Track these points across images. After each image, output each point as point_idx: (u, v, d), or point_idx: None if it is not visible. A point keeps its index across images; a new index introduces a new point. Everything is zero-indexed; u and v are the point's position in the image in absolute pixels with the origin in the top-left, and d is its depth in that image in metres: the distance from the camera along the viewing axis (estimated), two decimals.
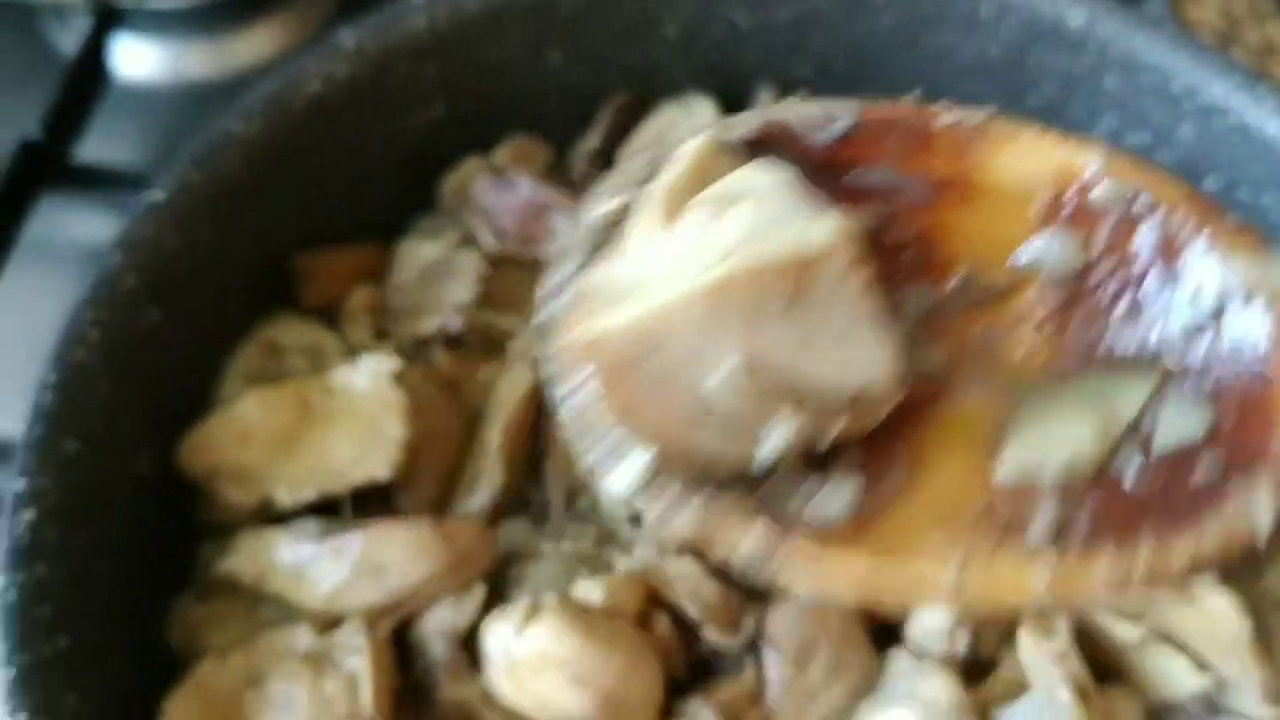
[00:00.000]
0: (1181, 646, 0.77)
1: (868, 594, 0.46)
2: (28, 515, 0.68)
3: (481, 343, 0.89)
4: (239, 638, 0.74)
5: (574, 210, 0.90)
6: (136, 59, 1.29)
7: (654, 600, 0.76)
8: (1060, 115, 0.96)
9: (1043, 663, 0.75)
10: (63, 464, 0.70)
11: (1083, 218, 0.49)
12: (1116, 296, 0.49)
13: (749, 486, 0.48)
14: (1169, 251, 0.47)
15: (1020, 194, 0.50)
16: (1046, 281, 0.49)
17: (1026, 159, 0.51)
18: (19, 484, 0.68)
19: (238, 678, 0.71)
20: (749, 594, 0.78)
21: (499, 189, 0.93)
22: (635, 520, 0.80)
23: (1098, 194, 0.48)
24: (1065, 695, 0.73)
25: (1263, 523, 0.41)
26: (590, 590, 0.74)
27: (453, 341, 0.87)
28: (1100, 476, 0.46)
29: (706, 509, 0.48)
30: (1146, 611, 0.77)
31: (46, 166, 1.13)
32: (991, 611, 0.52)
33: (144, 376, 0.76)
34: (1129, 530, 0.44)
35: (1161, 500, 0.44)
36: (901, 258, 0.49)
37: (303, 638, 0.72)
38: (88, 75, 1.18)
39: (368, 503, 0.79)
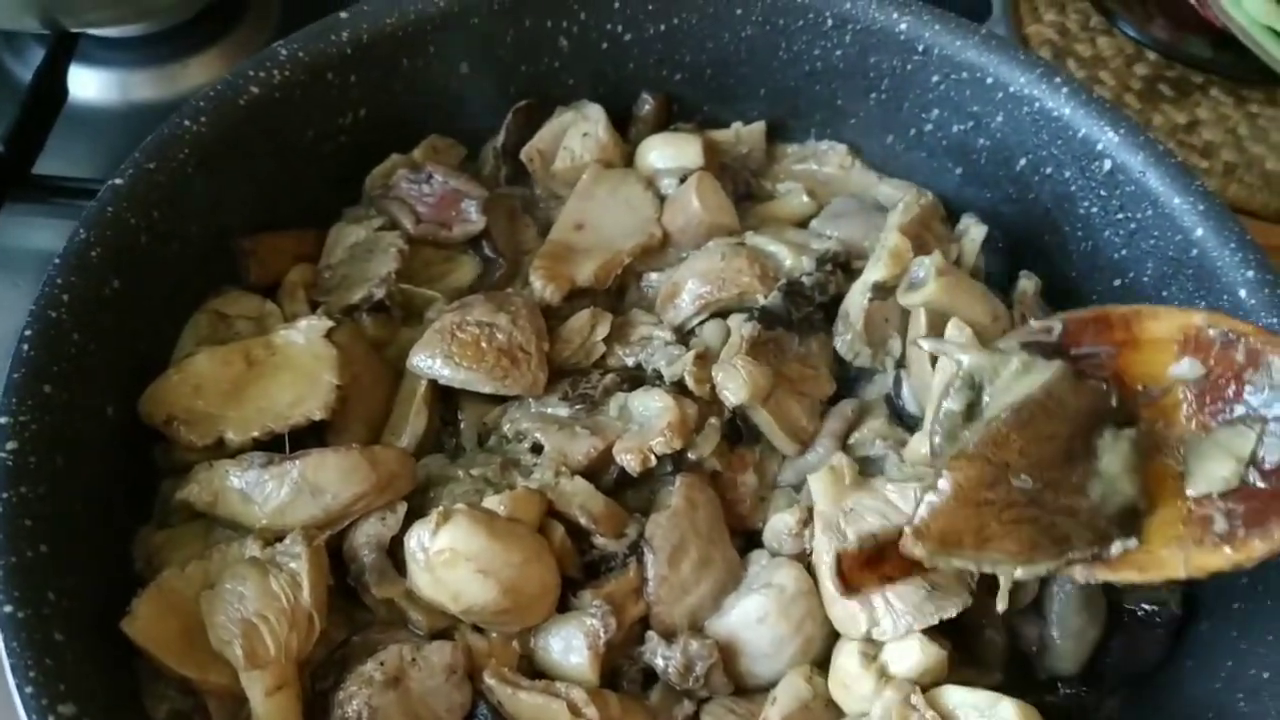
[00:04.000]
0: None
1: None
2: (11, 444, 0.79)
3: (403, 310, 1.02)
4: (195, 555, 0.86)
5: (482, 197, 1.05)
6: (89, 83, 1.42)
7: (551, 513, 0.90)
8: (897, 110, 1.13)
9: None
10: (40, 403, 0.82)
11: (1200, 348, 0.81)
12: (1229, 386, 0.80)
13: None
14: (1253, 359, 0.79)
15: (1166, 340, 0.82)
16: (1188, 384, 0.81)
17: (1164, 321, 0.83)
18: (2, 419, 0.80)
19: (195, 582, 0.84)
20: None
21: (416, 180, 1.07)
22: (536, 450, 0.94)
23: (1207, 334, 0.81)
24: None
25: None
26: (494, 504, 0.87)
27: (377, 309, 1.01)
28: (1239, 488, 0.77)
29: None
30: None
31: (9, 178, 1.25)
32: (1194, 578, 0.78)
33: (109, 335, 0.88)
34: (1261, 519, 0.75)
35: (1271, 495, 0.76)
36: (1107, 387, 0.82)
37: (251, 548, 0.84)
38: (48, 95, 1.30)
39: (308, 448, 0.91)
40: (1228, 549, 0.76)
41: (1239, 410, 0.79)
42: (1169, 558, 0.78)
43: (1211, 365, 0.80)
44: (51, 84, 1.32)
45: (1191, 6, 1.50)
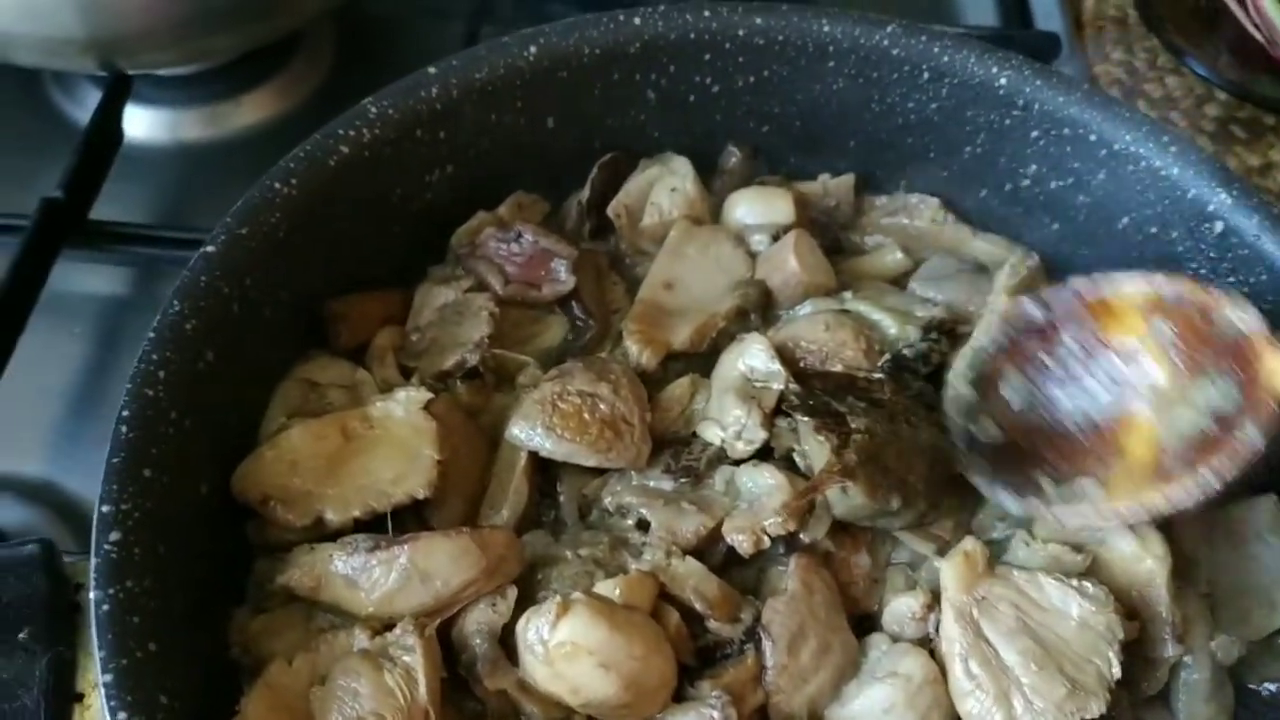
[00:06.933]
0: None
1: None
2: (115, 535, 0.76)
3: (494, 375, 0.99)
4: (298, 643, 0.83)
5: (572, 256, 1.02)
6: (139, 122, 1.38)
7: (664, 596, 0.86)
8: (993, 165, 1.10)
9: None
10: (142, 488, 0.78)
11: (1163, 309, 0.88)
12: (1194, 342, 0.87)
13: None
14: (1205, 316, 0.86)
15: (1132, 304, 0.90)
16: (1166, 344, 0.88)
17: (1126, 286, 0.90)
18: (105, 508, 0.77)
19: (304, 677, 0.80)
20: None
21: (505, 239, 1.04)
22: (642, 526, 0.90)
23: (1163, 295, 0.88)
24: None
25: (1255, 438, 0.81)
26: (607, 589, 0.84)
27: (469, 375, 0.97)
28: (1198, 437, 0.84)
29: None
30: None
31: (68, 225, 1.21)
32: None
33: (204, 410, 0.84)
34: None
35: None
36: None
37: (360, 639, 0.81)
38: (104, 138, 1.26)
39: (403, 522, 0.88)
40: (1164, 486, 0.82)
41: (1203, 363, 0.86)
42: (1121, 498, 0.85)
43: (1177, 325, 0.86)
44: (107, 127, 1.28)
45: (1260, 45, 1.48)
